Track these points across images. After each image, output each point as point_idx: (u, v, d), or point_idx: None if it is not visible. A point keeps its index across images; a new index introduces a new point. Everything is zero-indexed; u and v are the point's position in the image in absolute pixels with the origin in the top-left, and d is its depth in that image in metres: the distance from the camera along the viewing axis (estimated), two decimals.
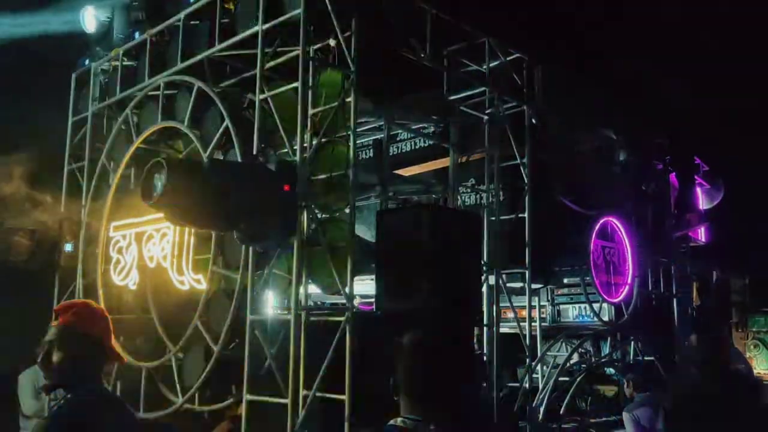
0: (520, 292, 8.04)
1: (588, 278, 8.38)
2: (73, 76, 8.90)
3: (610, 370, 9.22)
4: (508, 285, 7.77)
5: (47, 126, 9.12)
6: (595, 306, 8.69)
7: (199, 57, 6.94)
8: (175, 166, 5.22)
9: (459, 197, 8.30)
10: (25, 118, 9.75)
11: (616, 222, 8.98)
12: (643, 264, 9.29)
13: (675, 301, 9.88)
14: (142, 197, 5.32)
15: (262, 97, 6.14)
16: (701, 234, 11.12)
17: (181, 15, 7.22)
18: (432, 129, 8.24)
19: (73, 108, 8.81)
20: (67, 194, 8.53)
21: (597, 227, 8.62)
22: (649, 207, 9.76)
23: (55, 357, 3.27)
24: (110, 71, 8.33)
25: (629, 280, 9.02)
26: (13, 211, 7.31)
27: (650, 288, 9.70)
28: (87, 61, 8.66)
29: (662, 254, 9.80)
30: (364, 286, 7.70)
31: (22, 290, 7.99)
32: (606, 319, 9.02)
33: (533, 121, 7.98)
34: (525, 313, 7.89)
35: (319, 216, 5.94)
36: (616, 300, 8.83)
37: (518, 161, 7.85)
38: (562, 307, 10.33)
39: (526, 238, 7.73)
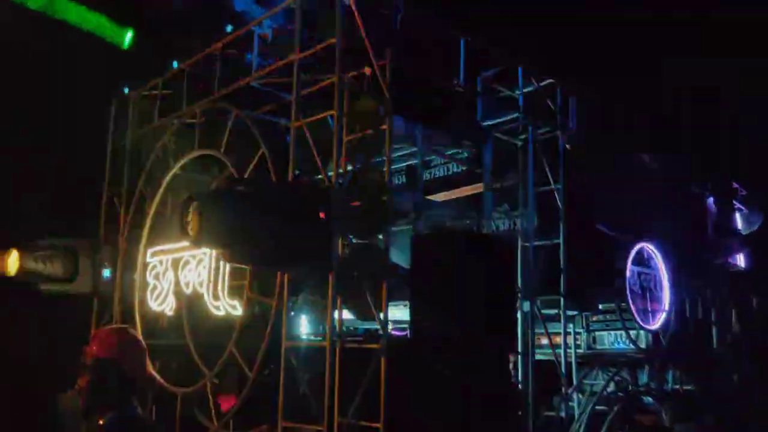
0: (555, 318, 7.93)
1: (624, 304, 8.23)
2: (113, 103, 9.10)
3: (649, 399, 9.01)
4: (542, 311, 7.68)
5: (86, 152, 9.33)
6: (632, 333, 8.53)
7: (236, 85, 7.06)
8: (208, 200, 5.21)
9: (492, 223, 8.26)
10: (65, 142, 9.97)
11: (652, 247, 8.83)
12: (680, 290, 9.10)
13: (714, 328, 9.65)
14: (182, 235, 5.38)
15: (297, 124, 6.20)
16: (740, 259, 10.87)
17: (219, 44, 7.36)
18: (465, 154, 8.23)
19: (111, 135, 8.99)
20: (106, 220, 8.68)
21: (633, 253, 8.49)
22: (685, 232, 9.59)
23: (81, 382, 3.42)
24: (149, 99, 8.50)
25: (666, 307, 8.84)
26: None
27: (688, 315, 9.49)
28: (126, 89, 8.86)
29: (700, 280, 9.60)
30: (397, 311, 7.67)
31: (65, 316, 8.15)
32: (643, 346, 8.84)
33: (567, 146, 7.93)
34: (560, 339, 7.78)
35: (353, 242, 5.95)
36: (653, 327, 8.65)
37: (552, 187, 7.79)
38: (597, 333, 10.15)
39: (561, 265, 7.64)
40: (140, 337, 3.78)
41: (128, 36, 9.31)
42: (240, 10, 7.55)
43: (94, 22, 9.38)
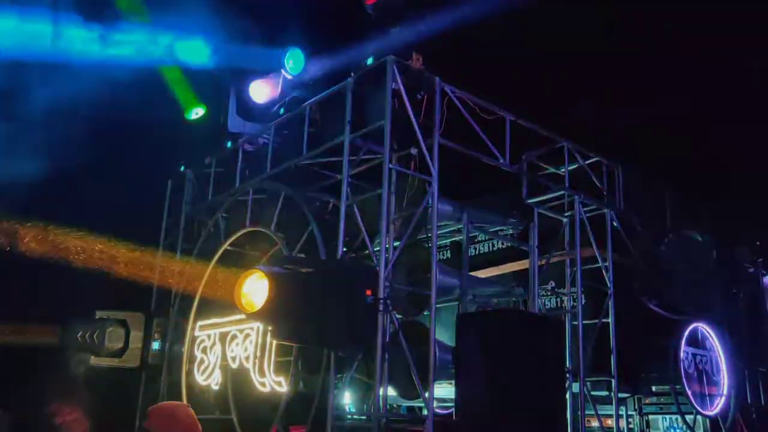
0: (606, 400, 7.67)
1: (679, 387, 7.92)
2: (169, 181, 9.47)
3: None
4: (592, 393, 7.45)
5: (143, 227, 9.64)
6: (688, 418, 8.15)
7: (286, 164, 7.30)
8: (277, 279, 5.32)
9: (539, 300, 8.15)
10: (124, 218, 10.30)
11: (706, 328, 8.54)
12: (739, 374, 8.72)
13: None
14: (239, 307, 5.49)
15: (347, 202, 6.33)
16: None
17: (271, 124, 7.67)
18: (510, 231, 8.24)
19: (167, 210, 9.32)
20: (157, 291, 8.90)
21: (686, 333, 8.22)
22: (742, 312, 9.26)
23: None
24: (203, 177, 8.83)
25: (725, 391, 8.46)
26: None
27: (749, 400, 9.05)
28: (182, 167, 9.23)
29: (760, 363, 9.19)
30: (442, 389, 7.54)
31: (115, 388, 8.26)
32: None
33: (614, 223, 7.87)
34: (611, 422, 7.50)
35: (399, 319, 5.95)
36: (711, 412, 8.26)
37: (600, 264, 7.70)
38: (651, 417, 9.72)
39: (611, 344, 7.46)
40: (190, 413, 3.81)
41: (197, 111, 9.49)
42: (234, 132, 8.07)
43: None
